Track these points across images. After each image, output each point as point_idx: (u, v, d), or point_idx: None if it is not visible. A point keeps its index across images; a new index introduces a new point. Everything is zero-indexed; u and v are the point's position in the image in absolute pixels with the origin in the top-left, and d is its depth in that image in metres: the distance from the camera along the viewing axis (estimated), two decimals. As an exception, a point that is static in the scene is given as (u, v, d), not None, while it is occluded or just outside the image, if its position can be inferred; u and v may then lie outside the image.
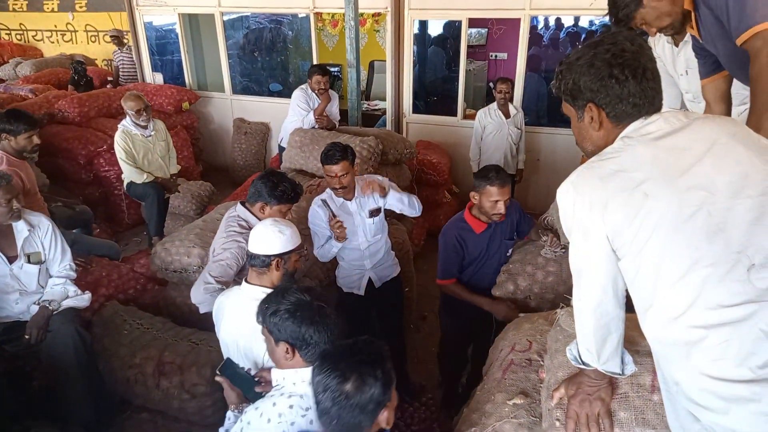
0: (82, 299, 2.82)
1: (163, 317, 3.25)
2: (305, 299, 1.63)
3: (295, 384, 1.63)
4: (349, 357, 1.42)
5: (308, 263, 3.32)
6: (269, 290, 2.06)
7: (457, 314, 2.99)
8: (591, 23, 8.05)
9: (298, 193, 2.70)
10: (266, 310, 1.66)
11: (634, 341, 1.56)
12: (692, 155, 1.21)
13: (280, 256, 2.09)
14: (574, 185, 1.30)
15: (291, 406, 1.58)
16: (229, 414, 1.90)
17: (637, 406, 1.43)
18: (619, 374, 1.40)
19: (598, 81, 1.28)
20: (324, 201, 2.93)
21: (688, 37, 3.11)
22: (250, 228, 2.39)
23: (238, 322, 2.07)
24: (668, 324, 1.18)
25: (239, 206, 2.73)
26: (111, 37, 7.94)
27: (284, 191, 2.60)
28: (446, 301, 3.06)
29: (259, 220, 2.57)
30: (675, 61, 3.27)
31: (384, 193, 2.99)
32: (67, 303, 2.77)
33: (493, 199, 2.64)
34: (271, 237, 2.08)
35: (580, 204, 1.27)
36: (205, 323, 2.67)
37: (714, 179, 1.17)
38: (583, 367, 1.43)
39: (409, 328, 4.05)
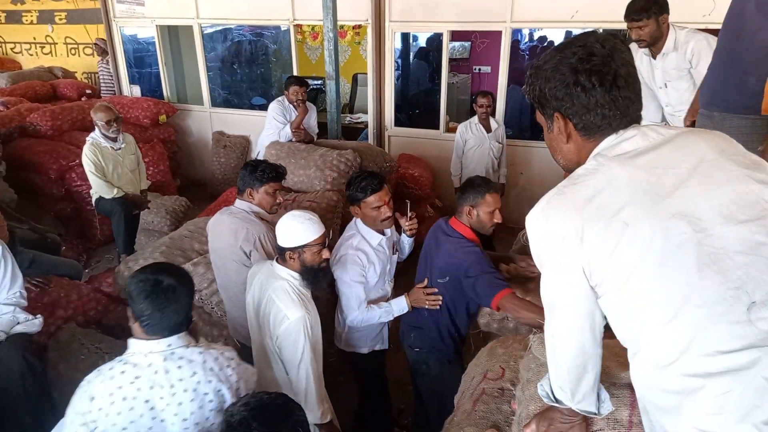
0: (32, 324, 2.64)
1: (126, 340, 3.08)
2: (159, 280, 1.69)
3: (145, 354, 1.68)
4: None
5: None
6: (292, 272, 2.21)
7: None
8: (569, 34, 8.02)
9: (281, 173, 2.78)
10: (132, 277, 1.74)
11: (610, 373, 1.43)
12: (676, 175, 1.05)
13: (292, 249, 2.18)
14: (544, 213, 1.15)
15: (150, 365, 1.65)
16: None
17: (614, 444, 1.31)
18: (595, 413, 1.27)
19: (564, 88, 1.14)
20: (357, 248, 2.63)
21: (665, 49, 3.04)
22: (254, 214, 2.69)
23: (260, 291, 2.25)
24: (658, 371, 1.02)
25: (237, 201, 2.79)
26: (94, 45, 7.80)
27: (264, 170, 2.72)
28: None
29: (252, 204, 2.73)
30: (653, 74, 3.19)
31: (414, 234, 2.91)
32: (16, 329, 2.59)
33: (491, 209, 2.51)
34: (286, 230, 2.20)
35: (552, 235, 1.12)
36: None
37: (702, 203, 1.02)
38: (555, 405, 1.31)
39: (389, 347, 3.89)
